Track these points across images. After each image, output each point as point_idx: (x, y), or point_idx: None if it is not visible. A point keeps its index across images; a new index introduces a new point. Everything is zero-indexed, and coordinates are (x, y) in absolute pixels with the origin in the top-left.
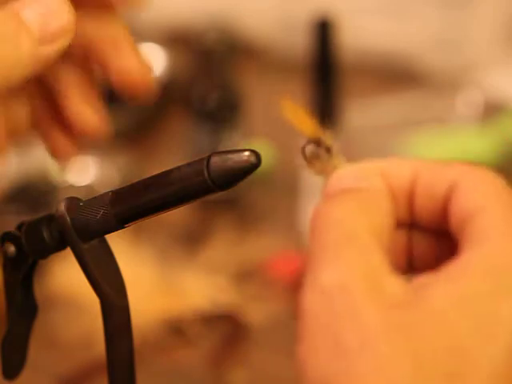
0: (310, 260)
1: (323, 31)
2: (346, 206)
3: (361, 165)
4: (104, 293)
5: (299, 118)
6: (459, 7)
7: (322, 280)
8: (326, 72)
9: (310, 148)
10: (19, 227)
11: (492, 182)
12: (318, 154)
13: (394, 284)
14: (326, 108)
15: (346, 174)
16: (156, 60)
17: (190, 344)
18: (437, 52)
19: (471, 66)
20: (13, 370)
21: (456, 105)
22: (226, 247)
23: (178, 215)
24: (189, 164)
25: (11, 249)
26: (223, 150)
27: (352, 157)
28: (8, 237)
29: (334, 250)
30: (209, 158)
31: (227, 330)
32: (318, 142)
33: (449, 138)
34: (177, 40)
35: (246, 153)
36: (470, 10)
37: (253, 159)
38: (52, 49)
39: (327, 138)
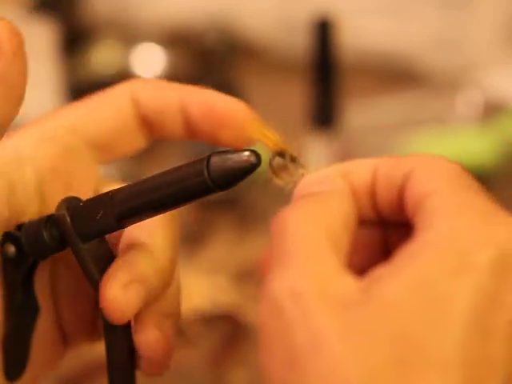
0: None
1: (323, 31)
2: (300, 212)
3: (324, 169)
4: None
5: (261, 132)
6: (459, 7)
7: (273, 289)
8: (325, 72)
9: (276, 160)
10: (19, 227)
11: (446, 168)
12: (286, 166)
13: (346, 284)
14: (326, 108)
15: (310, 179)
16: (156, 60)
17: (190, 344)
18: (437, 52)
19: (471, 66)
20: (15, 372)
21: (456, 105)
22: (226, 247)
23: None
24: (189, 164)
25: (11, 249)
26: (223, 150)
27: (352, 157)
28: (8, 237)
29: (284, 258)
30: (209, 158)
31: (227, 330)
32: (282, 154)
33: (449, 137)
34: (177, 40)
35: (246, 153)
36: (470, 10)
37: (253, 159)
38: (5, 62)
39: (291, 148)
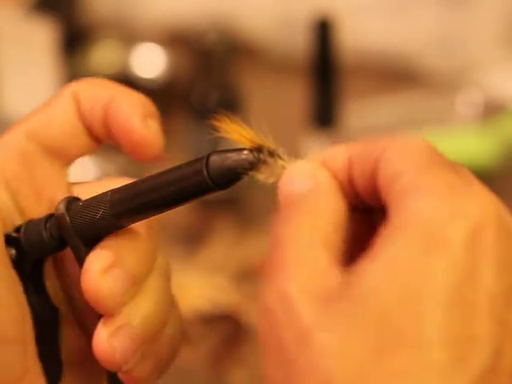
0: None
1: (323, 31)
2: (291, 223)
3: (304, 163)
4: None
5: (235, 130)
6: (459, 7)
7: (266, 300)
8: (326, 72)
9: None
10: (17, 229)
11: (415, 147)
12: (265, 160)
13: (332, 279)
14: (325, 108)
15: (291, 176)
16: (156, 60)
17: (190, 344)
18: (437, 52)
19: (471, 66)
20: (51, 381)
21: (456, 105)
22: (226, 247)
23: (178, 215)
24: (188, 163)
25: (12, 251)
26: (222, 149)
27: None
28: (7, 240)
29: (276, 268)
30: (208, 157)
31: (227, 330)
32: (260, 149)
33: (449, 137)
34: (177, 40)
35: (245, 151)
36: (470, 10)
37: (252, 158)
38: None
39: (267, 142)
